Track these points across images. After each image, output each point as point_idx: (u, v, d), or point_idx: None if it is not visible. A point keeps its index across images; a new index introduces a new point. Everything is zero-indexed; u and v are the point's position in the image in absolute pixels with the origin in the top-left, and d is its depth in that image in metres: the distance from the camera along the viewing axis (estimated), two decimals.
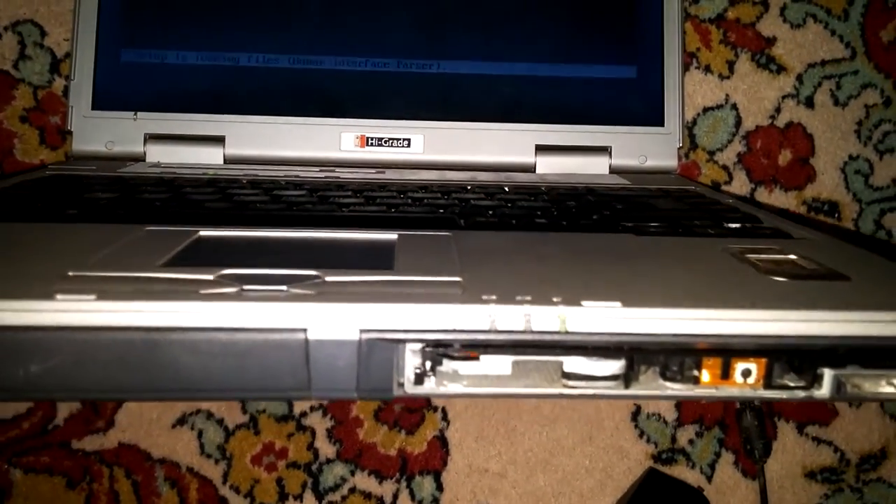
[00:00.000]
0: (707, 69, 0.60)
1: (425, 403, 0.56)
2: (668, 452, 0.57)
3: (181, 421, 0.55)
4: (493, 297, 0.25)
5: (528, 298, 0.25)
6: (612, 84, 0.57)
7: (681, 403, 0.57)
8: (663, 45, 0.57)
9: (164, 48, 0.55)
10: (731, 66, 0.60)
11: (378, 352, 0.24)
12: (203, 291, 0.24)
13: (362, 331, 0.24)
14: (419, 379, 0.25)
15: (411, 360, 0.25)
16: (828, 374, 0.26)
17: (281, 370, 0.24)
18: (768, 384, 0.26)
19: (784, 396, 0.26)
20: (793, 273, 0.30)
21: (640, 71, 0.57)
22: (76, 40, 0.54)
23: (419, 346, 0.25)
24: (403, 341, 0.24)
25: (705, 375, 0.26)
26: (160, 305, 0.24)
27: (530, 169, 0.56)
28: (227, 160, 0.55)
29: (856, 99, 0.61)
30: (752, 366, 0.25)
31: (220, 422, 0.55)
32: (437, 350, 0.25)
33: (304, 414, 0.56)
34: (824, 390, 0.26)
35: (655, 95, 0.57)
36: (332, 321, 0.24)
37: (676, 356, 0.25)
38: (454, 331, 0.24)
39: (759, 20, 0.60)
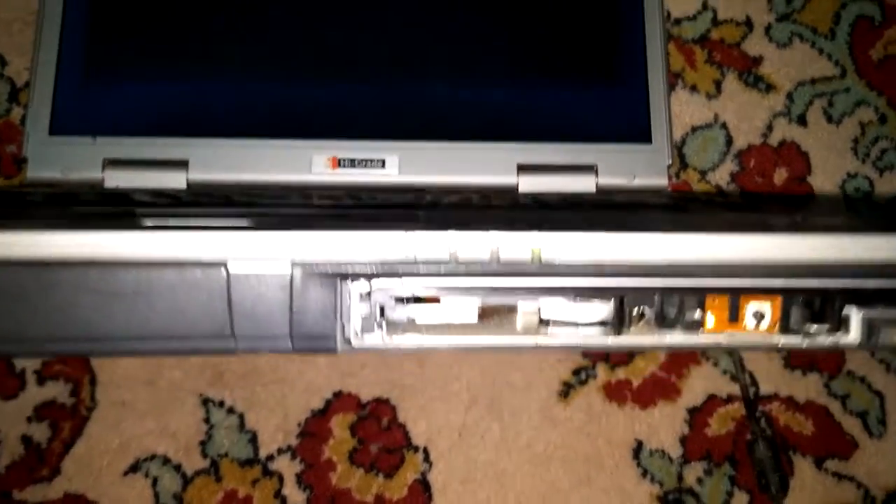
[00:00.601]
0: (693, 89, 0.58)
1: (404, 443, 0.51)
2: (676, 493, 0.51)
3: (134, 468, 0.50)
4: (456, 227, 0.21)
5: (497, 227, 0.21)
6: (596, 101, 0.54)
7: (686, 438, 0.52)
8: (646, 59, 0.55)
9: (126, 72, 0.53)
10: (718, 85, 0.58)
11: (316, 288, 0.20)
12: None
13: (295, 263, 0.20)
14: (368, 326, 0.21)
15: (358, 306, 0.21)
16: (855, 315, 0.21)
17: (198, 313, 0.20)
18: (785, 328, 0.22)
19: (805, 344, 0.22)
20: (801, 222, 0.26)
21: (624, 87, 0.54)
22: (36, 65, 0.52)
23: (366, 284, 0.21)
24: (346, 276, 0.20)
25: (710, 320, 0.22)
26: (51, 236, 0.20)
27: (512, 190, 0.52)
28: (190, 185, 0.51)
29: (850, 116, 0.58)
30: (766, 305, 0.21)
31: (178, 468, 0.50)
32: (389, 290, 0.21)
33: (270, 457, 0.50)
34: (853, 335, 0.22)
35: (641, 112, 0.54)
36: (258, 251, 0.20)
37: (675, 294, 0.21)
38: (408, 262, 0.20)
39: (744, 40, 0.59)
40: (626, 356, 0.53)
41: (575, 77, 0.54)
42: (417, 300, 0.21)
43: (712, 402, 0.53)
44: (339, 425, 0.51)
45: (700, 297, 0.21)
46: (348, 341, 0.21)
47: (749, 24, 0.59)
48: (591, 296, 0.21)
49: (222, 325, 0.20)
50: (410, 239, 0.20)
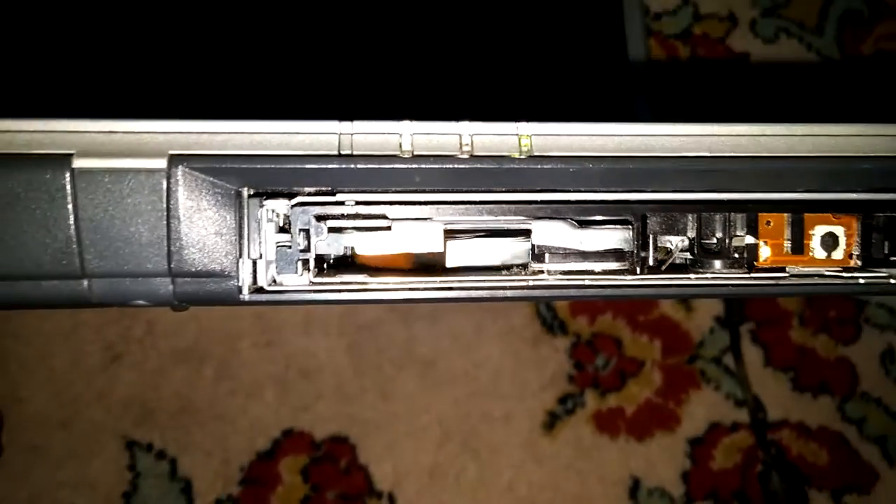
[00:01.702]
0: None
1: (366, 489, 0.44)
2: None
3: None
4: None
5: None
6: (584, 100, 0.50)
7: (689, 474, 0.46)
8: (628, 57, 0.50)
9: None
10: None
11: (208, 202, 0.14)
12: None
13: (174, 156, 0.14)
14: (287, 263, 0.15)
15: (272, 234, 0.15)
16: None
17: (28, 236, 0.13)
18: (868, 259, 0.16)
19: (894, 280, 0.16)
20: None
21: (611, 83, 0.50)
22: None
23: (284, 203, 0.14)
24: (259, 192, 0.14)
25: (764, 250, 0.16)
26: None
27: None
28: None
29: None
30: (838, 229, 0.16)
31: None
32: (318, 210, 0.15)
33: None
34: None
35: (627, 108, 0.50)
36: (119, 141, 0.14)
37: (715, 209, 0.15)
38: (340, 156, 0.14)
39: (728, 35, 0.55)
40: (618, 380, 0.47)
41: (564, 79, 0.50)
42: (358, 227, 0.15)
43: (716, 431, 0.47)
44: (289, 469, 0.44)
45: (749, 215, 0.15)
46: (258, 287, 0.14)
47: (733, 19, 0.55)
48: (601, 213, 0.15)
49: (65, 255, 0.13)
50: (346, 130, 0.14)
